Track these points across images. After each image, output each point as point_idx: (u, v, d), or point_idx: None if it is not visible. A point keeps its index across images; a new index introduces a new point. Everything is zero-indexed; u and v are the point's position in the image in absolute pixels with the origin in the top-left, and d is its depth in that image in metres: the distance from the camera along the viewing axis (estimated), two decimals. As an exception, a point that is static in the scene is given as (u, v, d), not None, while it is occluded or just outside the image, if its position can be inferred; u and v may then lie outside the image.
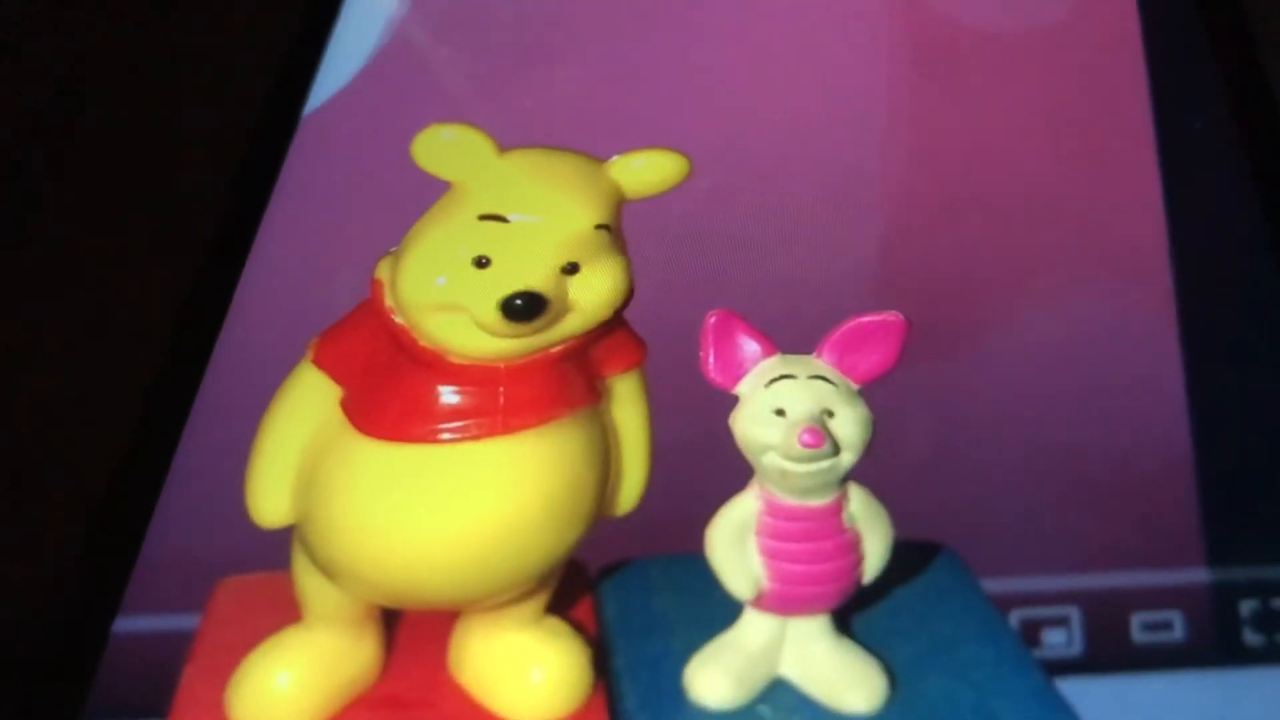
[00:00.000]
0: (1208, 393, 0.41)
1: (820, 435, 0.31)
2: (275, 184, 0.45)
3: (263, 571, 0.37)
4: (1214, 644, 0.37)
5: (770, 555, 0.33)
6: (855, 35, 0.47)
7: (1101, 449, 0.40)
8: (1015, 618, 0.37)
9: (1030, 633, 0.36)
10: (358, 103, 0.47)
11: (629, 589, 0.38)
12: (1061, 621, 0.37)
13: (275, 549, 0.34)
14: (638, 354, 0.33)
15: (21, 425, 0.41)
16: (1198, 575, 0.38)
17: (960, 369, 0.41)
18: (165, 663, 0.36)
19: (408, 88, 0.47)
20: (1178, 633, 0.37)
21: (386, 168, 0.45)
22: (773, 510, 0.32)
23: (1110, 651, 0.36)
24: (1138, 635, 0.37)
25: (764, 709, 0.33)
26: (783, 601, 0.33)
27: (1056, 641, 0.36)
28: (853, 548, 0.33)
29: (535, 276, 0.29)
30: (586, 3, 0.50)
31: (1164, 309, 0.43)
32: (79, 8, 0.42)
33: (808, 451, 0.31)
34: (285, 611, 0.34)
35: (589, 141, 0.31)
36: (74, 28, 0.42)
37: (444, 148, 0.30)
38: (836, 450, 0.31)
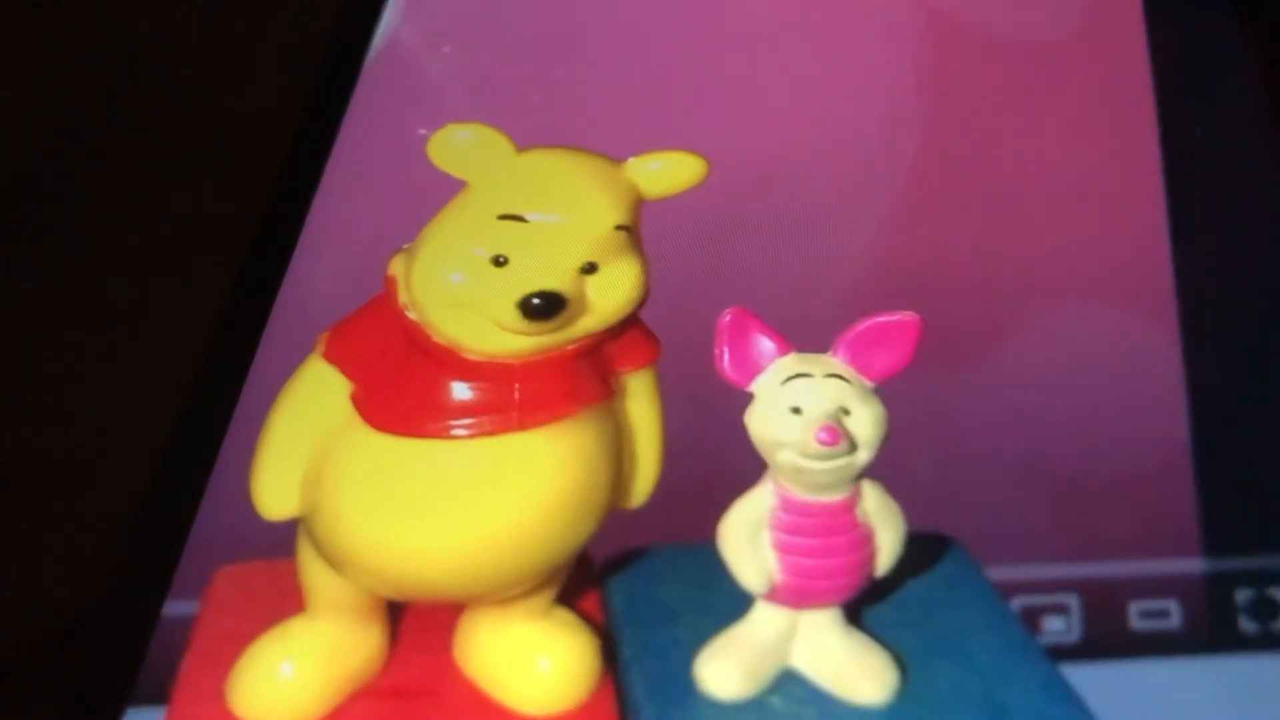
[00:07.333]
0: (1205, 390, 0.42)
1: (838, 433, 0.31)
2: (320, 180, 0.44)
3: (262, 560, 0.37)
4: (1209, 631, 0.38)
5: (783, 550, 0.33)
6: (873, 34, 0.47)
7: (1102, 444, 0.40)
8: (1016, 604, 0.37)
9: (1031, 619, 0.37)
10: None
11: (636, 579, 0.38)
12: (1061, 609, 0.37)
13: (276, 537, 0.33)
14: (652, 351, 0.33)
15: (61, 421, 0.40)
16: (1194, 565, 0.38)
17: (968, 367, 0.41)
18: (164, 649, 0.36)
19: (408, 88, 0.46)
20: (1174, 620, 0.38)
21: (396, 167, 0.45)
22: (787, 506, 0.32)
23: (1108, 638, 0.37)
24: (1135, 622, 0.38)
25: (775, 700, 0.34)
26: (795, 595, 0.33)
27: (1056, 628, 0.37)
28: (865, 542, 0.33)
29: (554, 276, 0.29)
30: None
31: (1165, 310, 0.43)
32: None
33: (825, 449, 0.31)
34: (285, 600, 0.34)
35: (597, 139, 0.31)
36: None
37: (461, 147, 0.30)
38: (853, 448, 0.31)
